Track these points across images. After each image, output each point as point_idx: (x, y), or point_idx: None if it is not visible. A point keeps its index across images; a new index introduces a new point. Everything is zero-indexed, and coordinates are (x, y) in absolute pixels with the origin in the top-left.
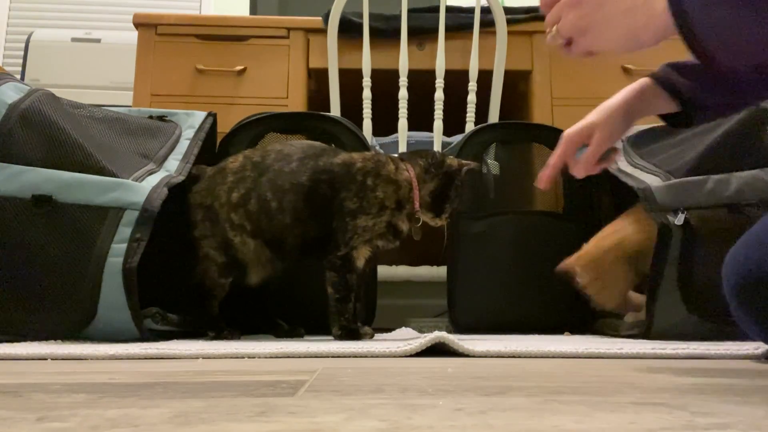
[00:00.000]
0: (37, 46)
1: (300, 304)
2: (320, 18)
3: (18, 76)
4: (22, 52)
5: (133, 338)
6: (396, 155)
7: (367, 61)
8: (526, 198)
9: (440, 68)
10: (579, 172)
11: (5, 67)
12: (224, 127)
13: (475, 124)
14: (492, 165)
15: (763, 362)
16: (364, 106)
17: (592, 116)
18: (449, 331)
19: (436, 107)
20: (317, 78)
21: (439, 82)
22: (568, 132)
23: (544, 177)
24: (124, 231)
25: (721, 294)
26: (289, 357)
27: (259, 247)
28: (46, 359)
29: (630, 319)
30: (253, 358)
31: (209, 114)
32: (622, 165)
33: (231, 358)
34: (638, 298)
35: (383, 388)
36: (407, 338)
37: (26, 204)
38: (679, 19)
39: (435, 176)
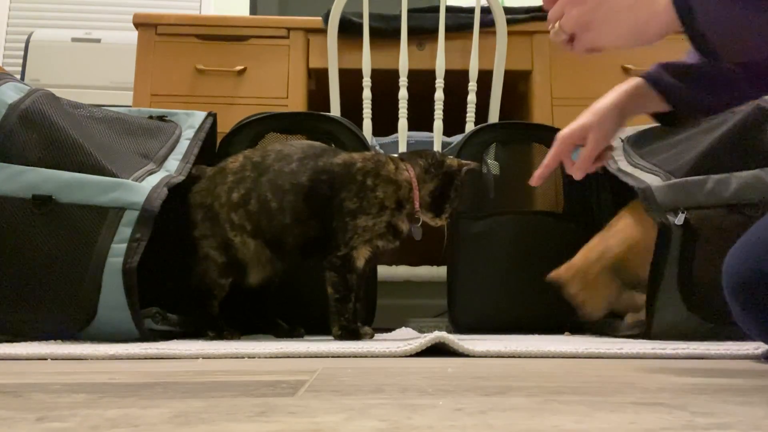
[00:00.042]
0: (37, 46)
1: (300, 304)
2: (320, 18)
3: (18, 76)
4: (22, 52)
5: (133, 338)
6: (396, 155)
7: (367, 61)
8: (526, 198)
9: (440, 68)
10: (577, 173)
11: (5, 67)
12: (224, 127)
13: (475, 124)
14: (492, 165)
15: (763, 362)
16: (364, 106)
17: (586, 117)
18: (449, 331)
19: (436, 107)
20: (317, 78)
21: (439, 82)
22: (563, 133)
23: (537, 175)
24: (124, 231)
25: (721, 294)
26: (289, 357)
27: (259, 248)
28: (46, 359)
29: (630, 319)
30: (253, 358)
31: (209, 114)
32: (622, 165)
33: (231, 358)
34: (638, 298)
35: (383, 388)
36: (407, 338)
37: (26, 204)
38: (682, 15)
39: (435, 176)
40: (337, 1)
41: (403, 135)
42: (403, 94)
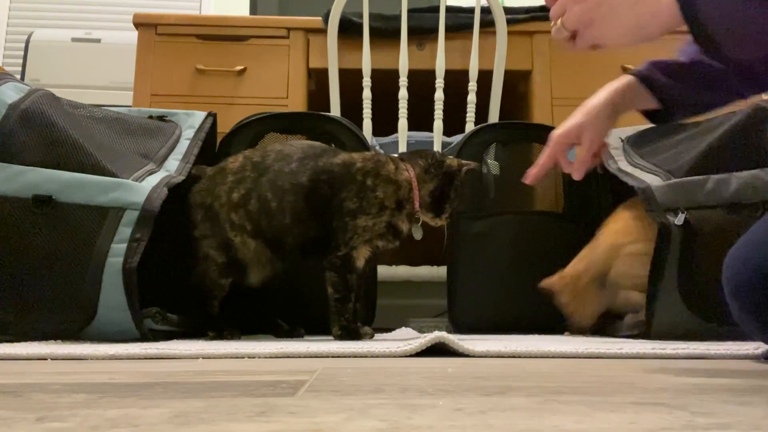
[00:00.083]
0: (37, 46)
1: (300, 304)
2: (320, 18)
3: (18, 76)
4: (22, 52)
5: (133, 338)
6: (396, 155)
7: (367, 61)
8: (526, 198)
9: (440, 68)
10: (576, 173)
11: (5, 67)
12: (224, 127)
13: (475, 124)
14: (492, 165)
15: (763, 362)
16: (364, 106)
17: (579, 117)
18: (449, 331)
19: (436, 107)
20: (317, 78)
21: (439, 82)
22: (557, 133)
23: (531, 174)
24: (124, 231)
25: (721, 294)
26: (289, 357)
27: (259, 247)
28: (46, 359)
29: (630, 319)
30: (253, 358)
31: (209, 114)
32: (622, 165)
33: (231, 358)
34: (638, 298)
35: (383, 388)
36: (407, 338)
37: (26, 204)
38: (685, 11)
39: (435, 176)
40: (337, 1)
41: (403, 135)
42: (403, 94)
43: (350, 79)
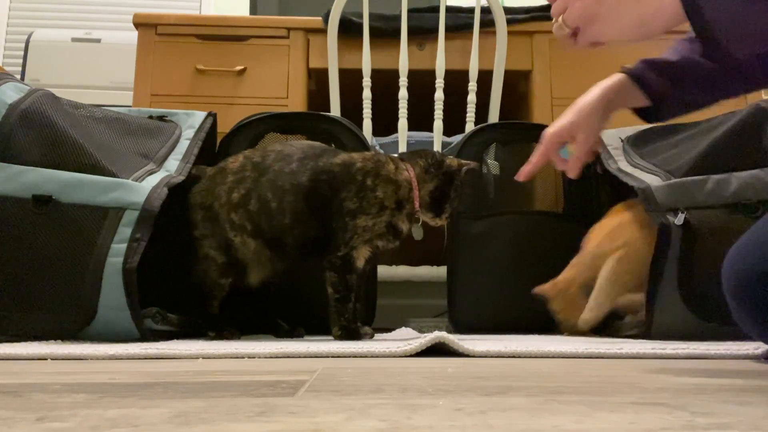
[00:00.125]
0: (37, 46)
1: (300, 304)
2: (320, 18)
3: (18, 76)
4: (22, 52)
5: (133, 338)
6: (396, 155)
7: (367, 61)
8: (526, 198)
9: (440, 68)
10: (572, 172)
11: (5, 67)
12: (224, 127)
13: (475, 124)
14: (492, 165)
15: (763, 362)
16: (364, 106)
17: (572, 115)
18: (449, 331)
19: (436, 107)
20: (317, 78)
21: (439, 82)
22: (549, 132)
23: (524, 172)
24: (124, 231)
25: (721, 294)
26: (289, 357)
27: (259, 248)
28: (46, 359)
29: (630, 319)
30: (253, 358)
31: (209, 114)
32: (622, 165)
33: (231, 358)
34: (638, 298)
35: (383, 388)
36: (407, 338)
37: (26, 204)
38: (688, 6)
39: (435, 176)
40: (337, 1)
41: (403, 135)
42: (403, 94)
43: (350, 79)
